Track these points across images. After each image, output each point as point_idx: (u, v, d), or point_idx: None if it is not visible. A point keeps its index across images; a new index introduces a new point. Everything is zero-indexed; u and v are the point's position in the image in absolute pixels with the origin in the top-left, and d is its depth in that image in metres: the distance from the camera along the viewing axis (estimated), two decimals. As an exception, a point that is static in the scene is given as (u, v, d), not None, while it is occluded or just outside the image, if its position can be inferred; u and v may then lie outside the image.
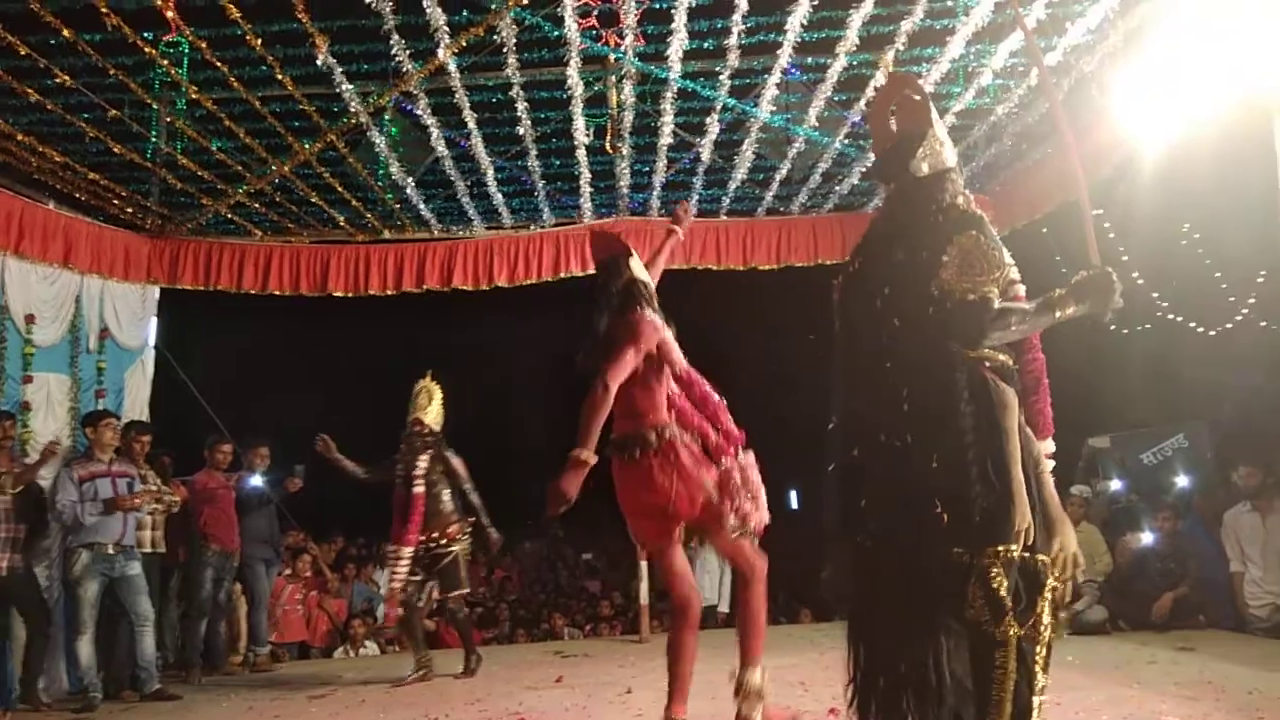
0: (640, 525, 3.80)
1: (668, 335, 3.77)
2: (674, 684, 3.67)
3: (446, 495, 6.26)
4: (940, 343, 2.49)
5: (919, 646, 2.42)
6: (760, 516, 3.78)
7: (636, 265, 3.89)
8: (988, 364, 2.53)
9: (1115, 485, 9.17)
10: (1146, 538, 7.20)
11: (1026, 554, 2.43)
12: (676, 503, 3.60)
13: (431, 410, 6.41)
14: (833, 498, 2.69)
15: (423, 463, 6.17)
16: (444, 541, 6.22)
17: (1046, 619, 2.44)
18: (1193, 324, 9.53)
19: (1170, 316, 9.55)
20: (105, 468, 6.06)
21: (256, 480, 7.20)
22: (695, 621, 3.73)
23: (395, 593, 6.07)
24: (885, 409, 2.52)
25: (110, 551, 5.91)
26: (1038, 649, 2.43)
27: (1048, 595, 2.44)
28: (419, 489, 6.13)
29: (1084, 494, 7.72)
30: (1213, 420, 9.69)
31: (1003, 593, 2.38)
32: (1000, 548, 2.39)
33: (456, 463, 6.36)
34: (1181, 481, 8.82)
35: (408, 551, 6.03)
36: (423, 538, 6.10)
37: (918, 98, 2.77)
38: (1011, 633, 2.38)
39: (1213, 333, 9.45)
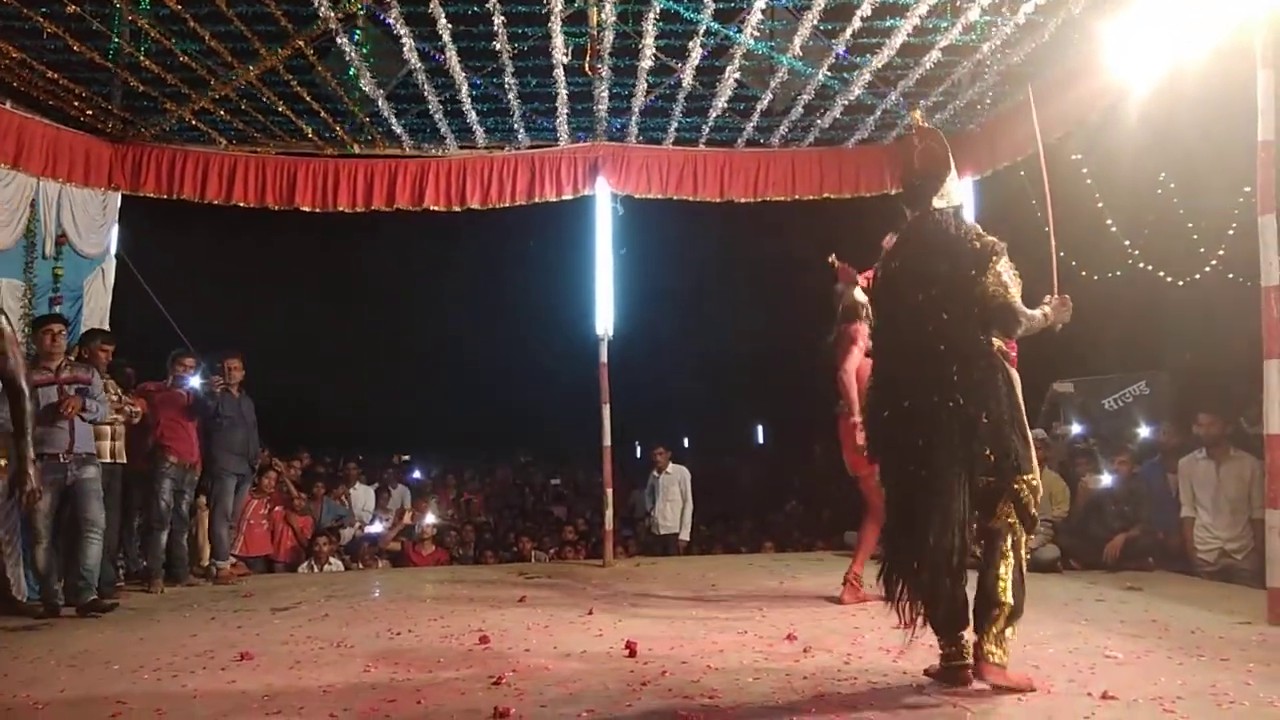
0: (848, 457, 5.54)
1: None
2: (859, 553, 5.63)
3: None
4: (982, 333, 3.55)
5: (956, 541, 3.44)
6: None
7: (859, 292, 5.36)
8: (1000, 351, 3.61)
9: (1075, 429, 9.31)
10: (1105, 480, 7.34)
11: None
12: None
13: None
14: (889, 436, 3.71)
15: None
16: None
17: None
18: (1162, 273, 9.61)
19: (1141, 265, 9.61)
20: (51, 375, 5.84)
21: (193, 382, 7.04)
22: (879, 519, 4.98)
23: None
24: (937, 378, 3.51)
25: (61, 460, 5.76)
26: (1024, 543, 3.64)
27: (1035, 509, 3.64)
28: None
29: (1042, 438, 7.82)
30: (1175, 369, 9.84)
31: (1031, 508, 3.58)
32: (1027, 477, 3.57)
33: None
34: (1140, 428, 8.97)
35: None
36: None
37: (940, 149, 3.80)
38: (1022, 535, 3.61)
39: (1181, 283, 9.53)
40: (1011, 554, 3.57)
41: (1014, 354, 3.80)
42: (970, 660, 3.55)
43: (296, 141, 7.77)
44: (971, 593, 3.61)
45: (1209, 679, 3.66)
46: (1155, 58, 5.69)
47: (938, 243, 3.66)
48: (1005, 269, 3.57)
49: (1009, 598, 3.52)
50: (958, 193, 3.81)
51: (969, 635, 3.57)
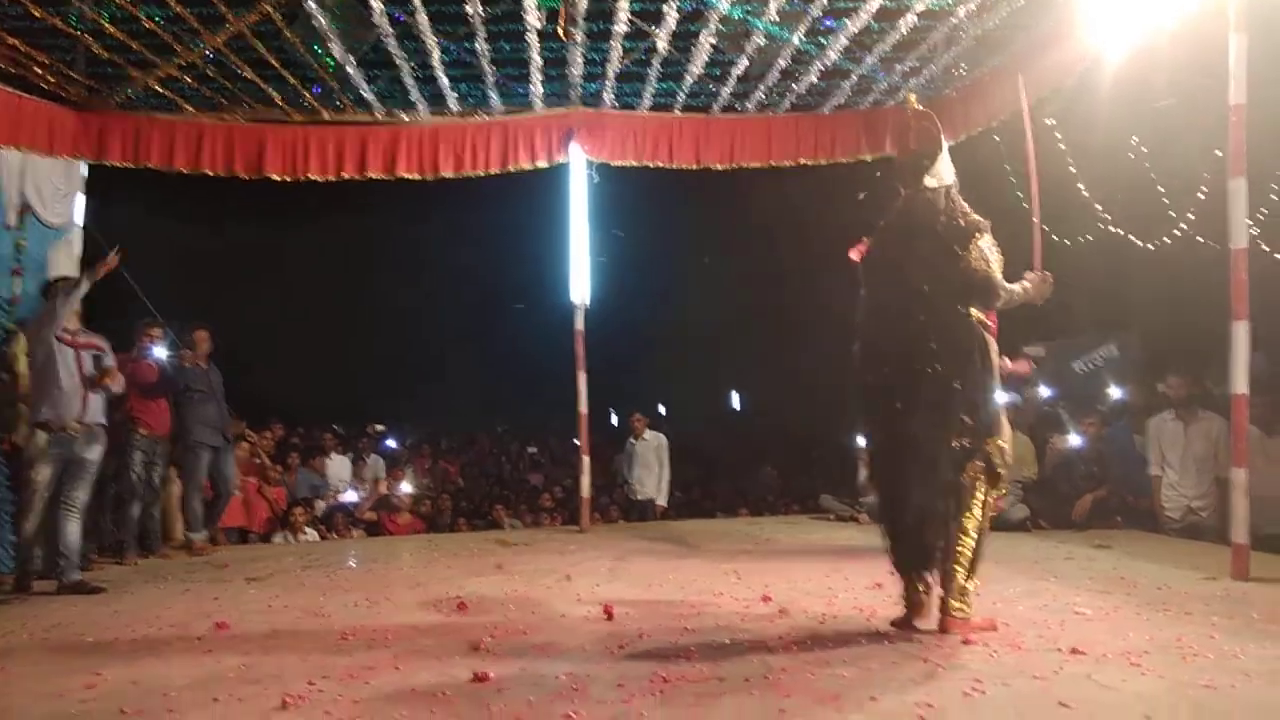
0: None
1: None
2: None
3: None
4: (961, 304, 3.78)
5: (934, 497, 3.74)
6: None
7: None
8: (979, 322, 3.84)
9: (1045, 393, 9.41)
10: (1073, 440, 7.44)
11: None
12: None
13: None
14: (873, 402, 3.92)
15: None
16: None
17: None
18: (1132, 236, 9.69)
19: (1112, 229, 9.69)
20: (70, 337, 5.68)
21: (161, 353, 6.90)
22: None
23: None
24: (917, 346, 3.72)
25: (71, 432, 5.59)
26: (991, 498, 3.90)
27: (1003, 469, 3.88)
28: None
29: (1015, 402, 7.87)
30: (1144, 331, 9.95)
31: (999, 467, 3.82)
32: (998, 439, 3.82)
33: None
34: (1110, 389, 9.09)
35: None
36: None
37: (933, 130, 4.04)
38: (988, 491, 3.84)
39: (1151, 246, 9.63)
40: (977, 511, 3.81)
41: (994, 325, 3.99)
42: (928, 592, 3.89)
43: (265, 108, 7.64)
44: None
45: (1175, 633, 3.75)
46: (1130, 22, 5.70)
47: (925, 220, 3.87)
48: (987, 245, 3.81)
49: (971, 552, 3.79)
50: (949, 172, 4.01)
51: (930, 577, 3.87)
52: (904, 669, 3.37)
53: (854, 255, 5.21)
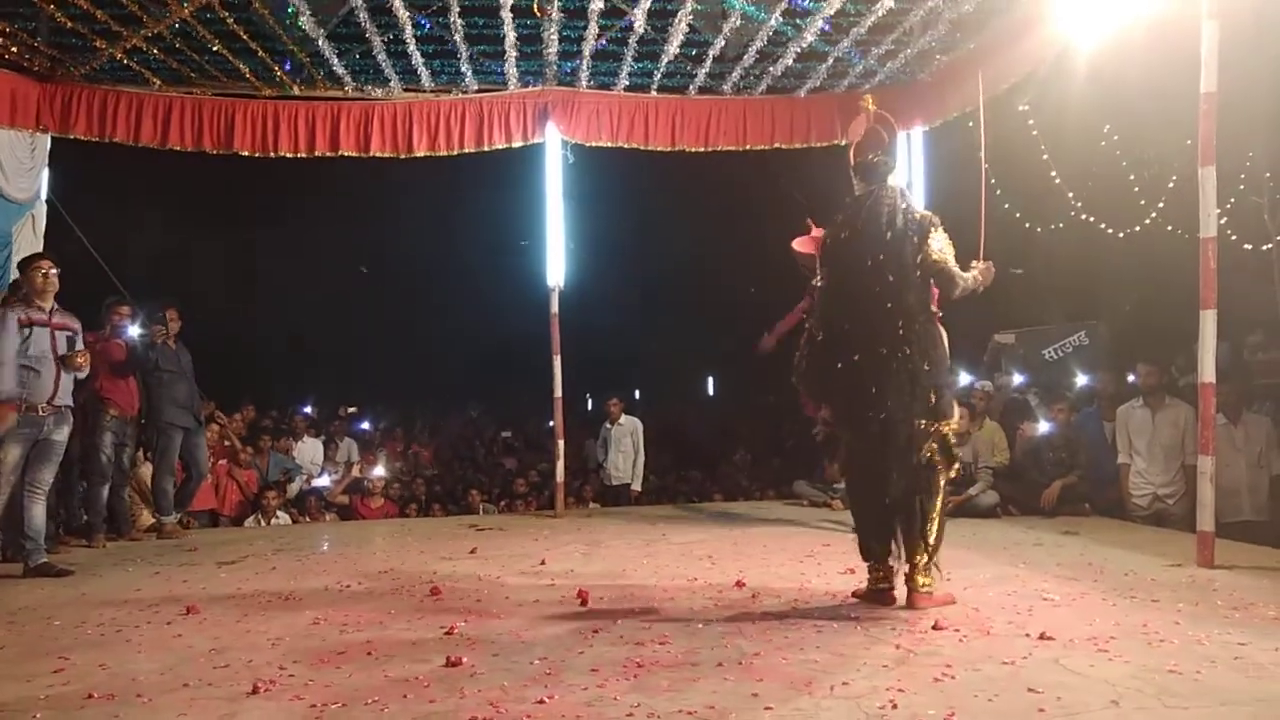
0: None
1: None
2: None
3: None
4: (923, 293, 4.03)
5: (910, 477, 3.97)
6: None
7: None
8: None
9: (1016, 380, 9.49)
10: (1043, 427, 7.51)
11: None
12: None
13: None
14: (843, 387, 4.07)
15: None
16: None
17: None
18: (1104, 225, 9.78)
19: (1084, 217, 9.78)
20: (45, 317, 5.53)
21: (132, 332, 6.76)
22: None
23: None
24: (885, 332, 3.93)
25: (40, 413, 5.47)
26: (946, 480, 4.13)
27: (957, 449, 4.14)
28: None
29: (987, 389, 7.92)
30: (1113, 320, 10.06)
31: (953, 448, 4.06)
32: (952, 421, 4.08)
33: None
34: (1079, 378, 9.18)
35: None
36: None
37: (893, 132, 4.39)
38: (947, 472, 4.08)
39: (1121, 235, 9.73)
40: (938, 492, 4.05)
41: (939, 314, 4.20)
42: (892, 584, 4.11)
43: (233, 82, 7.49)
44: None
45: (1141, 619, 3.80)
46: (1104, 7, 5.71)
47: (886, 215, 4.10)
48: (943, 238, 4.07)
49: (934, 530, 4.02)
50: (898, 171, 4.42)
51: (893, 562, 4.09)
52: (875, 653, 3.40)
53: (798, 245, 5.30)
